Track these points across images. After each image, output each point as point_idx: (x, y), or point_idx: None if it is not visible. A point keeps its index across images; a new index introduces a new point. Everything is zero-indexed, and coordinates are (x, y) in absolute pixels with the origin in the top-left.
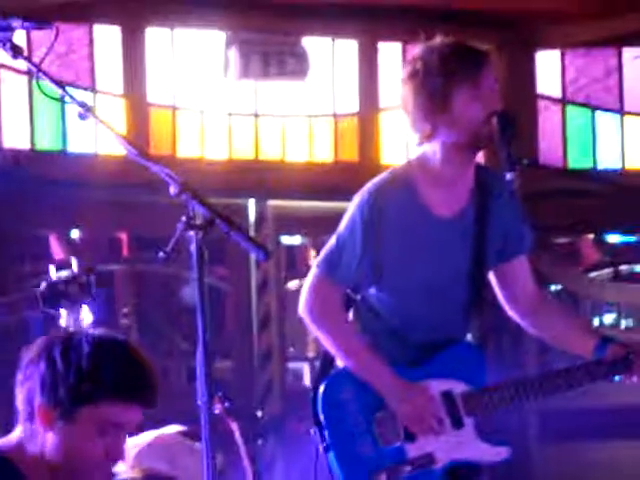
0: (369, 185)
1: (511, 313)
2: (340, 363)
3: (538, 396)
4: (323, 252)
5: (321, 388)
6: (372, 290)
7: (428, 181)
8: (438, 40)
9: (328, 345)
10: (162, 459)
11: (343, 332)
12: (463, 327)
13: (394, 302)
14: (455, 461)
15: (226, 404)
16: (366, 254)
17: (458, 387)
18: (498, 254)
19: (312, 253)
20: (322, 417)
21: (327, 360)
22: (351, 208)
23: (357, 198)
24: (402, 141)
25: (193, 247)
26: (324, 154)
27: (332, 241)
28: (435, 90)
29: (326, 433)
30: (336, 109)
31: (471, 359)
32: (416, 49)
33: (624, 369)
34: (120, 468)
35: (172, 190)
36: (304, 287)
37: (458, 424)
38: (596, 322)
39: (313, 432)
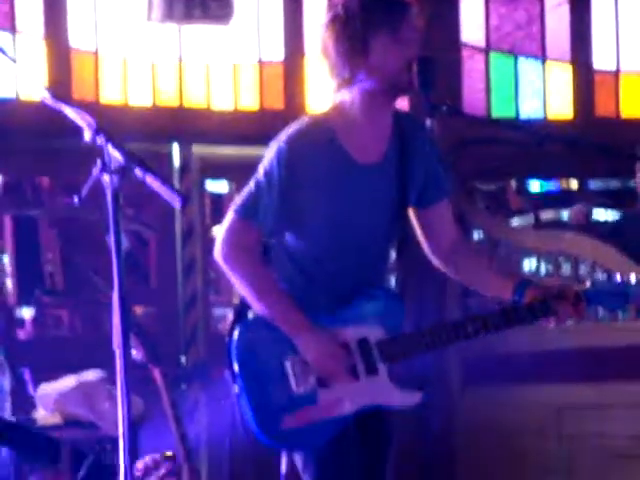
0: (287, 132)
1: (432, 258)
2: (254, 309)
3: (455, 342)
4: (240, 197)
5: (235, 333)
6: (290, 236)
7: (347, 128)
8: None
9: (241, 288)
10: (83, 404)
11: (257, 276)
12: (382, 273)
13: (312, 249)
14: (367, 407)
15: (146, 350)
16: (283, 201)
17: (374, 333)
18: (418, 198)
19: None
20: (235, 362)
21: (242, 306)
22: (268, 154)
23: (275, 144)
24: (328, 88)
25: (108, 192)
26: (249, 101)
27: (249, 186)
28: (354, 35)
29: (238, 377)
30: (261, 56)
31: (389, 305)
32: None
33: (542, 313)
34: (40, 413)
35: (87, 134)
36: (220, 231)
37: (372, 370)
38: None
39: (227, 376)
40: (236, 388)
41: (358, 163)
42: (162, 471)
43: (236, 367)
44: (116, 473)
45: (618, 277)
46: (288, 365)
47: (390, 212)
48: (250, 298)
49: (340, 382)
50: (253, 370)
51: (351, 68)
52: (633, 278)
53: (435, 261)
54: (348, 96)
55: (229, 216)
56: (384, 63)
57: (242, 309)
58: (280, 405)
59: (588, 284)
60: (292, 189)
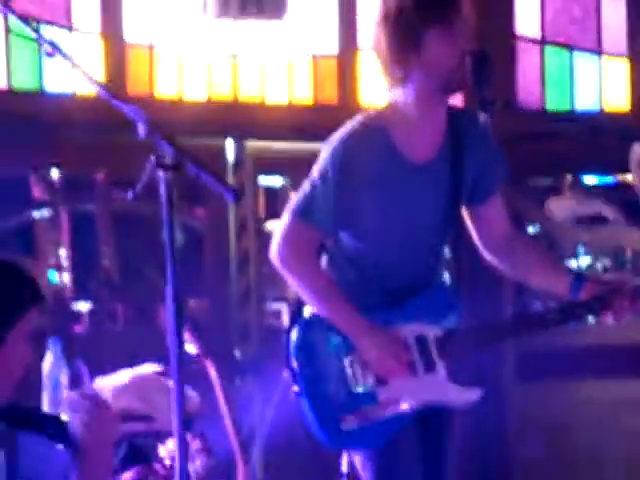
0: (342, 131)
1: (485, 253)
2: (311, 308)
3: (512, 338)
4: (296, 197)
5: (293, 332)
6: (345, 237)
7: (401, 127)
8: None
9: (298, 289)
10: (138, 398)
11: (313, 275)
12: (437, 271)
13: (368, 249)
14: (426, 405)
15: (201, 344)
16: (339, 202)
17: (432, 330)
18: (472, 194)
19: (292, 195)
20: (294, 361)
21: (299, 305)
22: (323, 154)
23: (330, 144)
24: (381, 83)
25: (162, 187)
26: (303, 95)
27: (305, 187)
28: (408, 31)
29: (298, 377)
30: (315, 50)
31: (446, 303)
32: None
33: (599, 309)
34: None
35: (141, 130)
36: (276, 231)
37: (430, 368)
38: (573, 264)
39: (286, 375)
40: (296, 388)
41: (412, 162)
42: (193, 450)
43: (296, 367)
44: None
45: None
46: (347, 364)
47: (444, 210)
48: (308, 299)
49: (399, 380)
50: (312, 370)
51: (405, 65)
52: None
53: (488, 257)
54: (402, 94)
55: (285, 217)
56: (438, 59)
57: (298, 308)
58: (340, 404)
59: None
60: (347, 189)
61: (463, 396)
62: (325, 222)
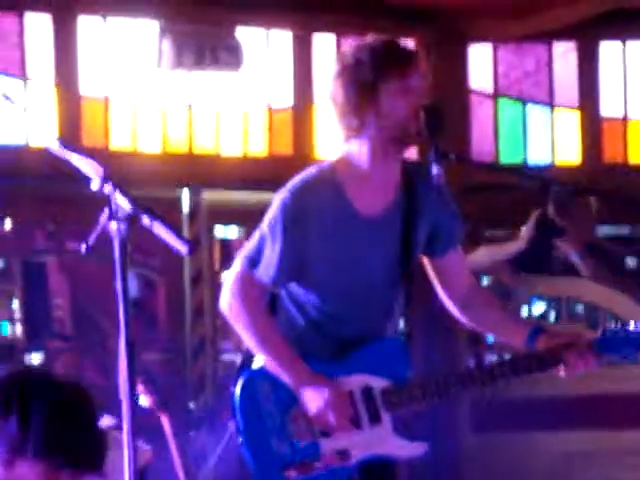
0: (293, 183)
1: (448, 305)
2: (259, 360)
3: (461, 392)
4: (246, 248)
5: (238, 384)
6: (296, 285)
7: (355, 179)
8: (369, 37)
9: (245, 337)
10: None
11: (259, 326)
12: (389, 323)
13: (318, 299)
14: (370, 457)
15: (155, 396)
16: (287, 253)
17: (379, 383)
18: (430, 247)
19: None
20: (238, 413)
21: (247, 357)
22: (274, 205)
23: (280, 195)
24: (336, 134)
25: (116, 239)
26: (258, 147)
27: (255, 237)
28: (364, 84)
29: (241, 428)
30: (271, 102)
31: (395, 354)
32: (347, 46)
33: (552, 363)
34: None
35: (95, 183)
36: (225, 281)
37: (376, 420)
38: (526, 312)
39: (231, 426)
40: (240, 439)
41: (364, 216)
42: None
43: (239, 419)
44: None
45: (632, 325)
46: (290, 416)
47: (395, 263)
48: (254, 348)
49: (342, 432)
50: (256, 421)
51: (360, 117)
52: None
53: (451, 308)
54: (357, 146)
55: (235, 265)
56: (393, 111)
57: (246, 359)
58: (283, 456)
59: (600, 333)
60: (296, 241)
61: (408, 449)
62: (272, 272)
